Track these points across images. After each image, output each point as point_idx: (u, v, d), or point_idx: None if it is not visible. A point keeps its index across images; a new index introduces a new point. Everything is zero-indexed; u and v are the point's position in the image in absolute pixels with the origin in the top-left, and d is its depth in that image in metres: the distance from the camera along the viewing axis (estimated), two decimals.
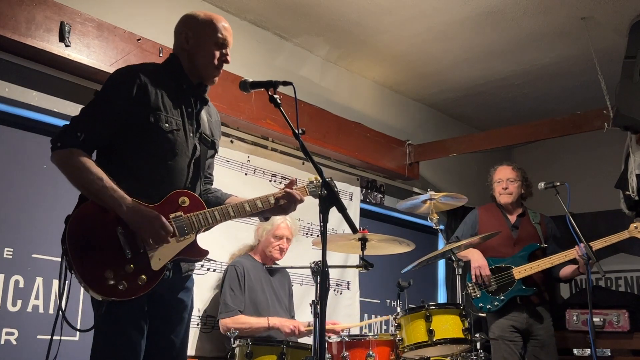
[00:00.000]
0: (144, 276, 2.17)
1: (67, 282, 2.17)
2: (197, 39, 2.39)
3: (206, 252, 2.35)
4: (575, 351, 5.29)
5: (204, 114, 2.48)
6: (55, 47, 3.40)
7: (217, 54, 2.39)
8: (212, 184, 2.64)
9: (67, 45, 3.43)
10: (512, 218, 4.43)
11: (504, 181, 4.40)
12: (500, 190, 4.40)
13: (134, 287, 2.15)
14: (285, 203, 2.47)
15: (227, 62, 2.43)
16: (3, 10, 3.22)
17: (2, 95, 3.38)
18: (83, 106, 2.31)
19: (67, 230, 2.14)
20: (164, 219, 2.18)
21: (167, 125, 2.28)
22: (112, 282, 2.12)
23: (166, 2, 4.23)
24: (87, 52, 3.53)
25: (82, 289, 2.22)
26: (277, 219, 3.93)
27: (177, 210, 2.26)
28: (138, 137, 2.26)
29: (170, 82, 2.37)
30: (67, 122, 2.27)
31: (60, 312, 2.18)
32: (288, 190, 2.48)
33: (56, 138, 2.22)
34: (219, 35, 2.39)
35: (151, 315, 2.28)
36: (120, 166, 2.25)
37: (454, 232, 4.70)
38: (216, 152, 2.57)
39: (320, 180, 2.58)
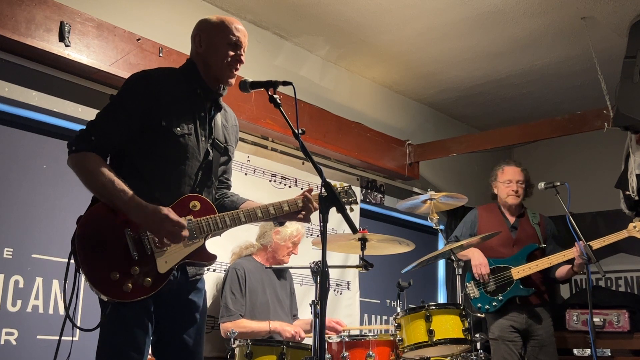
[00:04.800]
0: (149, 278, 2.18)
1: (75, 282, 2.19)
2: (210, 41, 2.40)
3: (214, 257, 2.35)
4: (575, 351, 5.29)
5: (219, 120, 2.48)
6: (55, 47, 3.40)
7: (230, 54, 2.39)
8: (229, 189, 2.64)
9: (67, 45, 3.43)
10: (512, 218, 4.42)
11: (514, 183, 4.35)
12: (509, 192, 4.34)
13: (139, 289, 2.16)
14: (302, 214, 2.45)
15: (241, 62, 2.42)
16: (3, 10, 3.22)
17: (2, 95, 3.39)
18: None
19: (77, 230, 2.17)
20: (174, 215, 2.18)
21: (178, 129, 2.29)
22: (117, 284, 2.13)
23: (166, 2, 4.23)
24: (87, 52, 3.53)
25: (83, 289, 2.22)
26: (299, 227, 3.97)
27: (188, 215, 2.27)
28: (150, 141, 2.28)
29: (185, 86, 2.38)
30: (83, 126, 2.29)
31: (66, 312, 2.20)
32: (302, 204, 2.44)
33: (71, 142, 2.25)
34: (231, 35, 2.40)
35: (160, 316, 2.29)
36: (131, 169, 2.27)
37: (453, 232, 4.69)
38: (230, 158, 2.56)
39: (345, 187, 2.60)
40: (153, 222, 2.16)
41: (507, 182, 4.37)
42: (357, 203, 2.62)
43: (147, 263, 2.19)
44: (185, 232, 2.20)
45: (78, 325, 2.22)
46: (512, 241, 4.32)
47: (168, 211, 2.17)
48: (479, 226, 4.42)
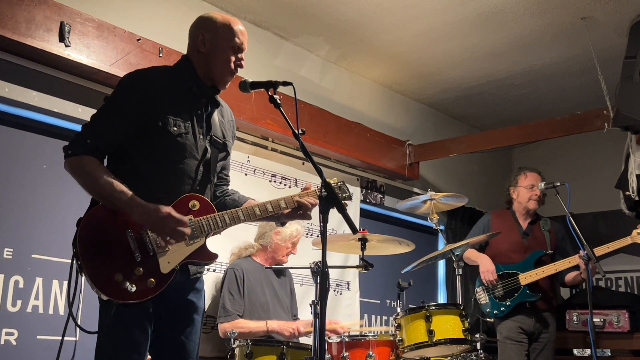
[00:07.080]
0: (152, 279, 2.18)
1: (76, 283, 2.18)
2: (214, 43, 2.38)
3: (215, 256, 2.35)
4: (575, 351, 5.29)
5: (215, 116, 2.47)
6: (55, 47, 3.40)
7: (233, 58, 2.39)
8: (228, 185, 2.64)
9: (67, 46, 3.43)
10: (524, 224, 4.44)
11: (537, 187, 4.36)
12: (532, 196, 4.36)
13: (143, 290, 2.16)
14: (301, 211, 2.46)
15: (241, 67, 2.42)
16: (3, 10, 3.22)
17: (2, 95, 3.39)
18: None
19: (78, 233, 2.16)
20: (175, 212, 2.18)
21: (175, 129, 2.28)
22: (121, 285, 2.13)
23: (166, 2, 4.23)
24: (87, 52, 3.53)
25: (83, 289, 2.22)
26: (299, 227, 3.99)
27: (188, 214, 2.27)
28: (147, 141, 2.27)
29: (180, 85, 2.37)
30: (79, 129, 2.29)
31: (71, 314, 2.19)
32: (299, 200, 2.45)
33: (68, 146, 2.24)
34: (236, 39, 2.39)
35: (159, 317, 2.29)
36: (130, 170, 2.27)
37: (453, 233, 4.68)
38: (228, 154, 2.56)
39: (338, 182, 2.59)
40: (155, 221, 2.16)
41: (530, 186, 4.38)
42: (350, 199, 2.63)
43: (149, 264, 2.19)
44: (188, 230, 2.21)
45: (82, 327, 2.22)
46: (524, 247, 4.34)
47: (169, 209, 2.17)
48: (491, 231, 4.42)
